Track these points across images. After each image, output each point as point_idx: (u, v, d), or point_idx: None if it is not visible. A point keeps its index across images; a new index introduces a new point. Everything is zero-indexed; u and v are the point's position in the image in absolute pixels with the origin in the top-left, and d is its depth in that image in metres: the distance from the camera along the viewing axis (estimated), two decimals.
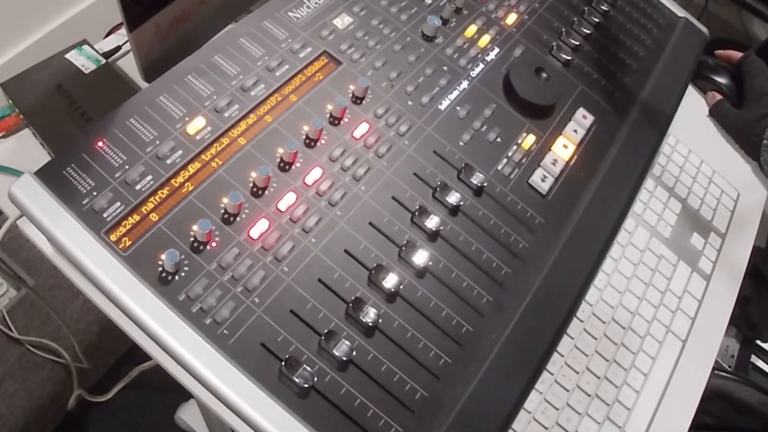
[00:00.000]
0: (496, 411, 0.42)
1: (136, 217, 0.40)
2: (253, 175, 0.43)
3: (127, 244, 0.39)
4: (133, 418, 1.08)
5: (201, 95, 0.45)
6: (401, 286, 0.43)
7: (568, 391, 0.50)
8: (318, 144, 0.46)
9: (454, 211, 0.47)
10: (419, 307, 0.43)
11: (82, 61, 0.55)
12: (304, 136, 0.46)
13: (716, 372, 0.67)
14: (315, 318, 0.40)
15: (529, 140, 0.53)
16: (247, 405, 0.37)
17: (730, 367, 0.76)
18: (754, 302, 0.74)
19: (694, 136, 0.71)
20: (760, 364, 0.81)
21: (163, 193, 0.41)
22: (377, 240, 0.44)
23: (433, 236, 0.46)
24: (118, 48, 0.59)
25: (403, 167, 0.48)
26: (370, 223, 0.45)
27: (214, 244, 0.41)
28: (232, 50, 0.48)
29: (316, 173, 0.45)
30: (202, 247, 0.40)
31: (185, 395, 1.06)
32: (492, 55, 0.56)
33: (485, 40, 0.57)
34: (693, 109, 0.75)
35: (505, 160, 0.51)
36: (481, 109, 0.53)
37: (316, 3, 0.53)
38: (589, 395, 0.51)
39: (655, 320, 0.56)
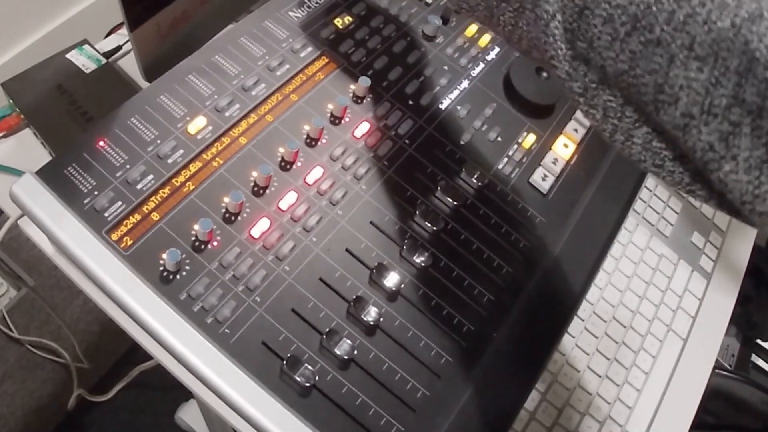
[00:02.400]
0: (496, 410, 0.42)
1: (138, 217, 0.40)
2: (254, 174, 0.43)
3: (129, 243, 0.39)
4: (133, 418, 1.08)
5: (202, 95, 0.45)
6: (402, 285, 0.43)
7: (568, 390, 0.50)
8: (319, 143, 0.46)
9: (455, 210, 0.47)
10: (420, 306, 0.43)
11: (83, 60, 0.55)
12: (305, 136, 0.46)
13: (717, 371, 0.67)
14: (316, 317, 0.40)
15: (529, 139, 0.53)
16: (248, 404, 0.37)
17: (730, 366, 0.76)
18: (754, 301, 0.74)
19: None
20: (761, 363, 0.81)
21: (164, 193, 0.41)
22: (378, 239, 0.44)
23: (434, 235, 0.46)
24: (119, 48, 0.59)
25: (404, 166, 0.48)
26: (371, 223, 0.45)
27: (215, 244, 0.41)
28: (232, 50, 0.48)
29: (317, 172, 0.45)
30: (203, 247, 0.40)
31: (185, 395, 1.06)
32: (492, 55, 0.56)
33: (485, 39, 0.57)
34: None
35: (505, 160, 0.51)
36: (482, 108, 0.53)
37: (316, 3, 0.53)
38: (590, 394, 0.51)
39: (656, 319, 0.56)
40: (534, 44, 0.34)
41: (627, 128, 0.32)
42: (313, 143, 0.46)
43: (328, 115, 0.48)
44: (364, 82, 0.49)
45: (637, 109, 0.31)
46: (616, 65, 0.30)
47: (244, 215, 0.42)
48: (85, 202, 0.40)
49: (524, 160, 0.52)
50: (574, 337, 0.52)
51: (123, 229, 0.39)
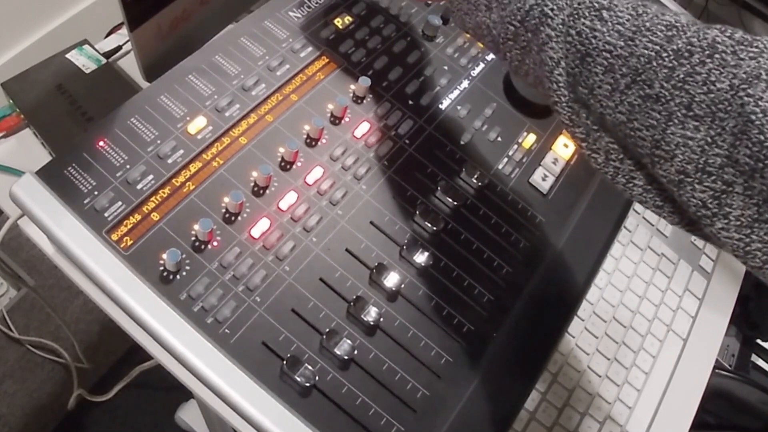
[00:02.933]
0: (497, 410, 0.42)
1: (138, 217, 0.40)
2: (254, 174, 0.43)
3: (129, 243, 0.39)
4: (133, 418, 1.08)
5: (202, 95, 0.45)
6: (402, 285, 0.43)
7: (568, 390, 0.50)
8: (319, 143, 0.46)
9: (455, 210, 0.47)
10: (420, 306, 0.43)
11: (83, 60, 0.55)
12: (305, 136, 0.46)
13: (717, 371, 0.67)
14: (316, 317, 0.40)
15: (529, 139, 0.53)
16: (248, 404, 0.37)
17: (730, 366, 0.76)
18: (754, 301, 0.74)
19: None
20: (761, 363, 0.81)
21: (164, 193, 0.41)
22: (378, 239, 0.44)
23: (434, 235, 0.46)
24: (119, 48, 0.59)
25: (404, 167, 0.48)
26: (371, 223, 0.45)
27: (215, 244, 0.41)
28: (233, 50, 0.48)
29: (317, 172, 0.45)
30: (203, 247, 0.40)
31: (185, 395, 1.06)
32: (492, 54, 0.56)
33: None
34: None
35: (505, 160, 0.51)
36: (482, 108, 0.53)
37: (316, 3, 0.53)
38: (590, 394, 0.51)
39: (656, 319, 0.56)
40: (540, 81, 0.35)
41: (628, 170, 0.32)
42: (314, 143, 0.46)
43: (328, 115, 0.48)
44: (364, 82, 0.49)
45: (633, 157, 0.32)
46: (615, 115, 0.31)
47: (244, 215, 0.42)
48: (85, 202, 0.40)
49: (524, 160, 0.52)
50: (574, 337, 0.52)
51: (123, 229, 0.39)
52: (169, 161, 0.42)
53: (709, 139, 0.27)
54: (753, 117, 0.26)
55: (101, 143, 0.42)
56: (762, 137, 0.26)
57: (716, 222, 0.28)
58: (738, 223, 0.27)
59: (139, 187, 0.41)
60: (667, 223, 0.35)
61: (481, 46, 0.56)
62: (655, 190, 0.32)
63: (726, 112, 0.27)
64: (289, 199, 0.43)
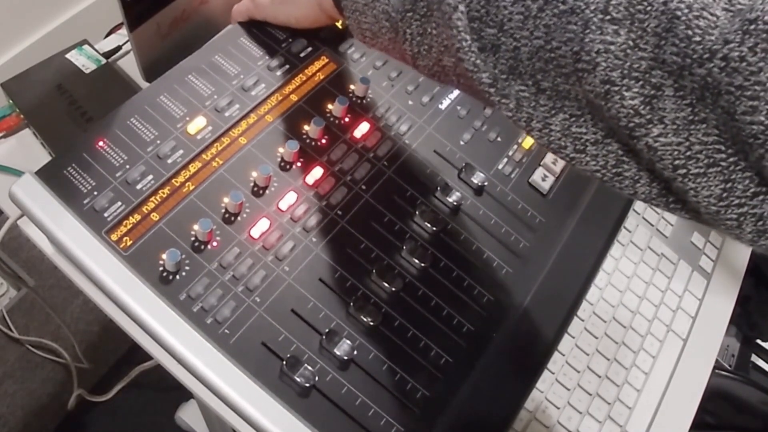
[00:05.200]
0: (497, 410, 0.42)
1: (137, 217, 0.40)
2: (254, 174, 0.43)
3: (128, 243, 0.39)
4: (133, 418, 1.08)
5: (201, 95, 0.45)
6: (403, 286, 0.43)
7: (568, 390, 0.50)
8: (319, 143, 0.46)
9: (454, 210, 0.47)
10: (421, 306, 0.43)
11: (83, 60, 0.55)
12: (305, 136, 0.46)
13: (717, 371, 0.67)
14: (316, 317, 0.40)
15: (529, 139, 0.53)
16: (248, 404, 0.37)
17: (730, 366, 0.76)
18: (754, 301, 0.74)
19: None
20: (761, 363, 0.81)
21: (163, 193, 0.41)
22: (378, 239, 0.44)
23: (434, 235, 0.46)
24: (119, 48, 0.59)
25: (404, 167, 0.48)
26: (372, 223, 0.45)
27: (214, 244, 0.41)
28: (232, 50, 0.48)
29: (317, 173, 0.45)
30: (202, 247, 0.40)
31: (185, 395, 1.06)
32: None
33: None
34: None
35: (505, 160, 0.51)
36: (482, 108, 0.53)
37: None
38: (590, 394, 0.51)
39: (656, 319, 0.56)
40: (445, 46, 0.34)
41: (543, 116, 0.31)
42: (314, 143, 0.46)
43: (328, 115, 0.48)
44: (364, 81, 0.49)
45: (551, 97, 0.31)
46: (532, 42, 0.30)
47: (244, 215, 0.42)
48: (85, 202, 0.40)
49: (524, 160, 0.52)
50: (574, 337, 0.52)
51: (123, 229, 0.39)
52: (169, 161, 0.42)
53: (631, 43, 0.27)
54: (678, 13, 0.25)
55: (101, 143, 0.42)
56: (689, 32, 0.25)
57: (652, 129, 0.27)
58: (675, 126, 0.26)
59: (138, 187, 0.41)
60: (588, 174, 0.32)
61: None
62: (574, 134, 0.30)
63: (645, 13, 0.26)
64: (288, 200, 0.43)
